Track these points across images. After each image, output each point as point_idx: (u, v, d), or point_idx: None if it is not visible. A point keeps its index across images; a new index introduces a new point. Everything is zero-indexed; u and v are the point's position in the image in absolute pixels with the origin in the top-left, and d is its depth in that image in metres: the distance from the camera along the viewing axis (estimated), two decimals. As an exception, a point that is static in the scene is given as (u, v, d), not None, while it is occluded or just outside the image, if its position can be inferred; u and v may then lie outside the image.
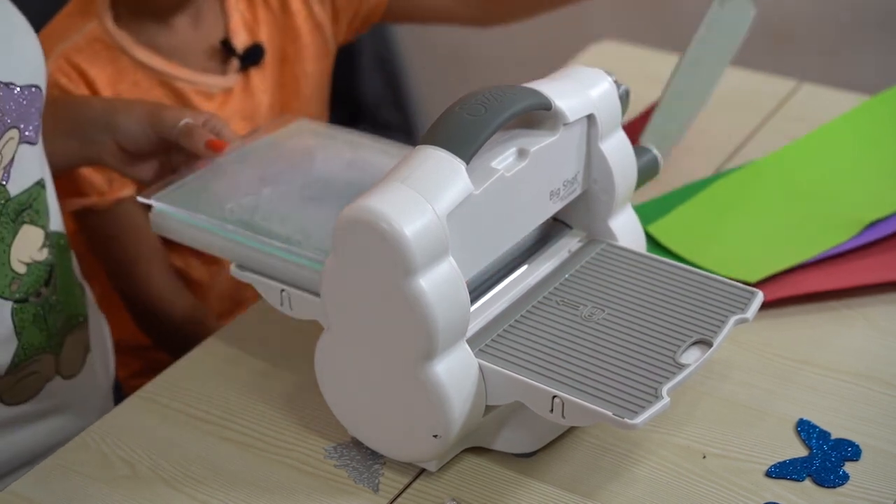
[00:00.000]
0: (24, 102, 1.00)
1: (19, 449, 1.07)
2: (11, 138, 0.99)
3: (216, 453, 0.98)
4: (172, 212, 1.01)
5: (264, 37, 1.37)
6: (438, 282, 0.85)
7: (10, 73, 0.99)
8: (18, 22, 1.04)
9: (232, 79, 1.34)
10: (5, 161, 0.99)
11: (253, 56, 1.35)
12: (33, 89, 1.02)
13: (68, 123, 1.15)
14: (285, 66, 1.39)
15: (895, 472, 0.93)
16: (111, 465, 0.98)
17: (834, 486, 0.92)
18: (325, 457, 0.97)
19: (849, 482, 0.92)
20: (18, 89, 1.00)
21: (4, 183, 1.00)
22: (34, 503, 0.95)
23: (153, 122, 1.11)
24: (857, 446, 0.95)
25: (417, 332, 0.85)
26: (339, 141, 1.09)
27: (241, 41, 1.34)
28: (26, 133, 1.01)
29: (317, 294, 0.92)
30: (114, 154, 1.14)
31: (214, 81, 1.33)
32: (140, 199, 1.03)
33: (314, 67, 1.41)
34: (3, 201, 1.00)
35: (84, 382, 1.12)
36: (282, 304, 0.97)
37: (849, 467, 0.93)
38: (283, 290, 0.96)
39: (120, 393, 1.38)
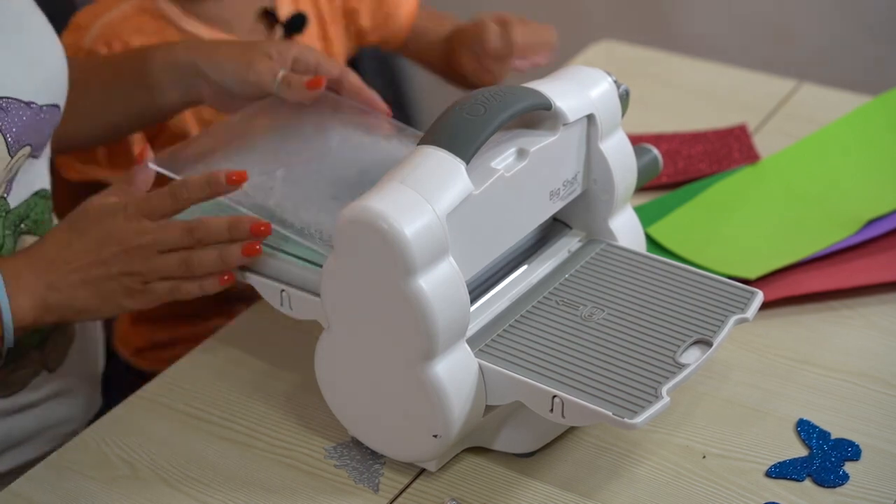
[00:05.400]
0: (42, 121, 1.01)
1: (9, 434, 1.08)
2: (23, 154, 1.00)
3: (216, 453, 0.98)
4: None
5: (308, 8, 1.37)
6: (438, 282, 0.85)
7: (33, 92, 1.00)
8: (48, 42, 1.04)
9: None
10: (10, 174, 1.00)
11: (295, 24, 1.35)
12: (52, 108, 1.02)
13: (137, 74, 1.13)
14: (326, 44, 1.40)
15: (895, 472, 0.93)
16: (111, 465, 0.98)
17: (834, 486, 0.92)
18: (326, 457, 0.97)
19: (849, 482, 0.92)
20: (38, 108, 1.00)
21: (6, 196, 1.01)
22: (34, 503, 0.95)
23: (248, 78, 1.09)
24: (857, 446, 0.95)
25: (417, 332, 0.85)
26: (353, 123, 1.08)
27: (285, 11, 1.35)
28: (36, 149, 1.02)
29: (317, 294, 0.92)
30: (212, 97, 1.13)
31: None
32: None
33: (342, 50, 1.43)
34: (3, 213, 1.01)
35: (69, 372, 1.12)
36: (282, 305, 0.97)
37: (849, 467, 0.93)
38: (283, 291, 0.96)
39: (136, 370, 1.39)
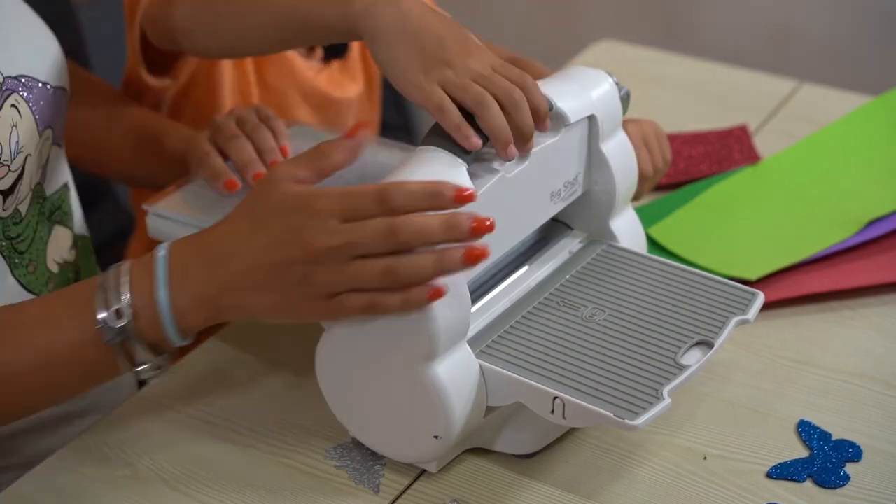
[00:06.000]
0: (57, 104, 1.02)
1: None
2: (48, 138, 1.00)
3: (216, 453, 0.98)
4: (172, 215, 1.01)
5: None
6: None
7: (45, 73, 1.00)
8: (42, 29, 1.05)
9: (314, 67, 1.35)
10: (42, 160, 1.00)
11: (335, 49, 1.35)
12: (63, 91, 1.03)
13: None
14: (366, 65, 1.39)
15: (896, 473, 0.93)
16: (111, 465, 0.97)
17: (835, 487, 0.92)
18: (326, 457, 0.97)
19: (850, 483, 0.92)
20: (52, 88, 1.00)
21: (41, 182, 1.01)
22: (34, 503, 0.95)
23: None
24: (858, 447, 0.95)
25: (418, 332, 0.85)
26: None
27: None
28: (57, 134, 1.02)
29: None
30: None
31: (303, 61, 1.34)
32: (145, 207, 1.02)
33: (378, 71, 1.42)
34: (40, 200, 1.01)
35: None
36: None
37: (850, 468, 0.93)
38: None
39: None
